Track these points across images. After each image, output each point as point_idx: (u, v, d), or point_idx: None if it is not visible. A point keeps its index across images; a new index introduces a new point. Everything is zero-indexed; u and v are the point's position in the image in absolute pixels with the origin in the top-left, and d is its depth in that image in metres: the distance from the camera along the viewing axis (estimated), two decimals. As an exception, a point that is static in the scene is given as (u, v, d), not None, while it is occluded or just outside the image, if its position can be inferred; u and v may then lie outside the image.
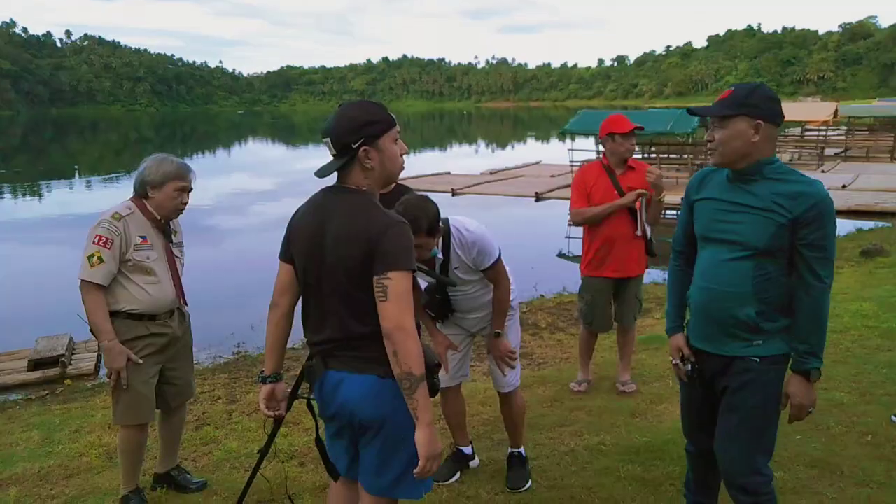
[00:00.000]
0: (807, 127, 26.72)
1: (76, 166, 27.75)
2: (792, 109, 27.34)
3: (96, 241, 2.72)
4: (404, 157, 2.11)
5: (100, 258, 2.71)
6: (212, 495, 3.11)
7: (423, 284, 2.93)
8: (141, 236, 2.81)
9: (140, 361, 2.81)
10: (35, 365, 5.52)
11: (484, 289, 2.87)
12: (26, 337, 6.10)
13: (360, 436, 2.01)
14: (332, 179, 1.98)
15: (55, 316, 7.22)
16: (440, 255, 2.70)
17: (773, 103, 2.05)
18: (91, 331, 2.81)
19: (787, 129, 29.23)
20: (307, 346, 2.10)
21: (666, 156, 18.64)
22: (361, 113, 1.89)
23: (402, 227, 1.87)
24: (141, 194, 2.86)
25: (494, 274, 2.77)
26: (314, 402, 2.12)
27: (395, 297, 1.80)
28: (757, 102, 2.04)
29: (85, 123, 78.07)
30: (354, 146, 1.87)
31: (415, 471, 1.85)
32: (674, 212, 10.00)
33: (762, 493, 2.18)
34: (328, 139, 1.89)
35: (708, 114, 2.12)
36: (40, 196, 18.48)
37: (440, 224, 2.58)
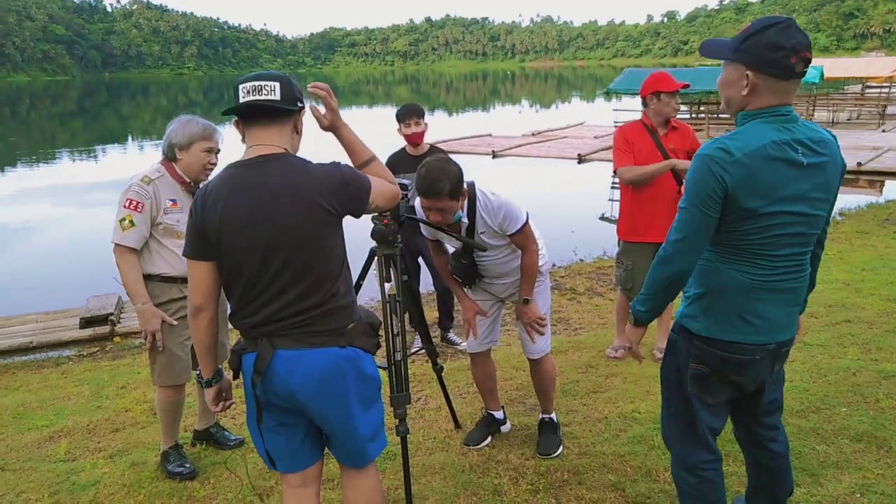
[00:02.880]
0: (868, 84, 25.28)
1: (129, 131, 28.42)
2: (851, 65, 25.95)
3: (127, 204, 2.74)
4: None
5: (131, 222, 2.73)
6: (249, 452, 3.17)
7: (450, 250, 2.87)
8: (171, 199, 2.82)
9: (174, 323, 2.84)
10: (86, 323, 5.72)
11: (512, 254, 2.78)
12: (78, 296, 6.32)
13: (321, 410, 1.87)
14: (237, 156, 1.86)
15: (105, 276, 7.47)
16: (465, 220, 2.62)
17: (770, 51, 1.72)
18: (126, 293, 2.86)
19: (846, 86, 27.76)
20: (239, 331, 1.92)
21: (715, 115, 17.91)
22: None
23: (338, 166, 1.86)
24: (169, 157, 2.85)
25: (522, 239, 2.68)
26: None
27: (376, 181, 1.90)
28: (749, 48, 1.75)
29: (136, 87, 79.72)
30: (300, 105, 1.85)
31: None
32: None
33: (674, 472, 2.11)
34: (274, 83, 1.80)
35: (715, 54, 1.87)
36: (96, 160, 19.01)
37: (463, 186, 2.50)
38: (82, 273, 7.79)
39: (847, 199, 10.00)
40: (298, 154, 1.91)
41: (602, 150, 15.11)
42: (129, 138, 25.42)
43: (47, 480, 3.00)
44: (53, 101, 54.00)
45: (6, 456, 3.32)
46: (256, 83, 1.78)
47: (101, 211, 11.49)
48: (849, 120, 20.77)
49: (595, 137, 17.74)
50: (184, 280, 2.88)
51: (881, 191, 10.90)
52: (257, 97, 1.77)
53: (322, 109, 1.97)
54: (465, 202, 2.59)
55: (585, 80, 69.55)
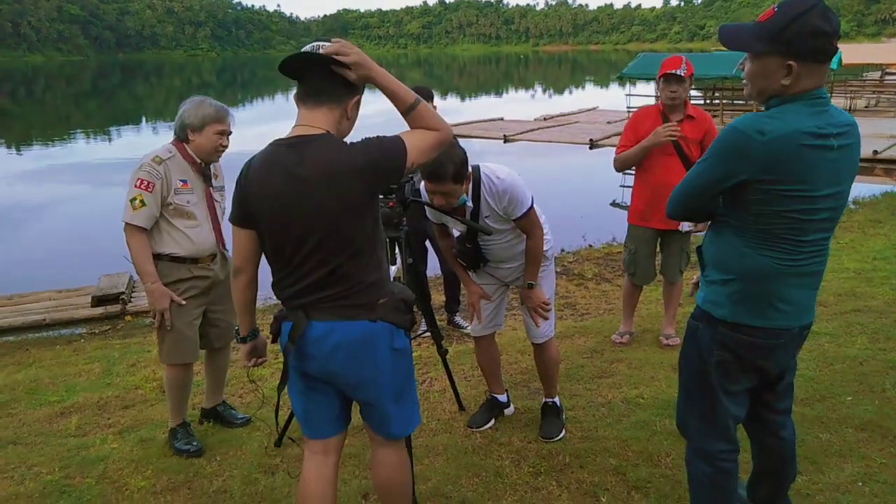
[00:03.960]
0: (888, 71, 24.80)
1: (142, 112, 28.51)
2: (871, 51, 25.46)
3: (138, 184, 2.76)
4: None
5: (142, 201, 2.75)
6: (254, 430, 3.21)
7: (455, 234, 2.87)
8: (181, 180, 2.83)
9: (183, 303, 2.87)
10: (98, 301, 5.78)
11: (517, 238, 2.77)
12: (91, 275, 6.39)
13: (351, 381, 1.95)
14: (283, 134, 1.88)
15: (117, 255, 7.53)
16: (470, 203, 2.62)
17: (814, 39, 1.69)
18: (136, 272, 2.88)
19: (865, 73, 27.27)
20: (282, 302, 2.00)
21: (730, 101, 17.69)
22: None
23: (371, 144, 1.85)
24: (181, 138, 2.86)
25: (527, 223, 2.66)
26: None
27: (413, 140, 1.85)
28: (791, 38, 1.69)
29: (150, 68, 79.84)
30: (352, 90, 1.87)
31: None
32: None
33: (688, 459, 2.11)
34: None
35: (738, 46, 1.83)
36: (109, 140, 19.11)
37: (468, 170, 2.49)
38: (95, 252, 7.85)
39: (861, 188, 9.84)
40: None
41: (614, 135, 14.97)
42: (143, 119, 25.50)
43: (58, 454, 3.06)
44: (68, 82, 54.26)
45: (19, 430, 3.38)
46: (315, 44, 1.83)
47: (114, 191, 11.55)
48: (867, 107, 20.38)
49: (608, 123, 17.57)
50: (193, 260, 2.91)
51: (898, 179, 10.74)
52: (306, 51, 1.82)
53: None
54: (470, 186, 2.58)
55: (600, 65, 68.78)
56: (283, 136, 1.87)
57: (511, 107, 24.03)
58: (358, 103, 1.92)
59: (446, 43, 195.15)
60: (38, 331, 5.55)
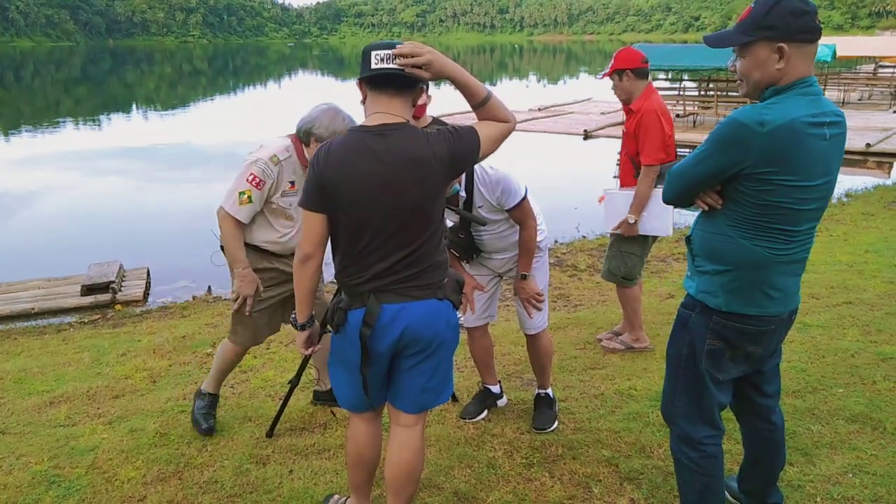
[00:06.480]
0: (882, 64, 24.88)
1: (133, 99, 28.24)
2: (865, 44, 25.50)
3: (250, 178, 2.72)
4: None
5: (249, 197, 2.73)
6: (246, 421, 3.20)
7: (448, 224, 2.85)
8: (290, 181, 2.81)
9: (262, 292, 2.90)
10: (87, 290, 5.75)
11: (510, 229, 2.76)
12: (80, 263, 6.34)
13: (407, 358, 2.05)
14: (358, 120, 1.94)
15: (106, 243, 7.50)
16: (463, 193, 2.60)
17: (796, 18, 1.73)
18: (223, 253, 2.91)
19: (859, 66, 27.34)
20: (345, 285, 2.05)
21: (724, 93, 17.68)
22: None
23: (448, 136, 1.95)
24: (303, 141, 2.79)
25: (520, 214, 2.65)
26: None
27: (485, 132, 2.00)
28: (774, 22, 1.74)
29: (140, 55, 79.03)
30: (421, 84, 1.95)
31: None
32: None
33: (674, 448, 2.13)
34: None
35: (724, 44, 1.87)
36: (99, 127, 18.93)
37: None
38: (84, 240, 7.82)
39: (854, 181, 9.89)
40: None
41: (609, 126, 14.97)
42: (133, 106, 25.27)
43: (47, 445, 3.03)
44: (57, 68, 53.64)
45: (7, 420, 3.35)
46: (389, 51, 1.87)
47: (103, 179, 11.50)
48: (860, 100, 20.45)
49: (602, 114, 17.56)
50: (274, 255, 2.92)
51: (889, 173, 10.79)
52: (391, 66, 1.87)
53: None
54: (463, 176, 2.56)
55: (594, 56, 68.60)
56: (365, 123, 1.94)
57: (505, 97, 23.38)
58: (422, 91, 2.04)
59: (440, 32, 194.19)
60: (27, 320, 5.51)
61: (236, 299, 2.86)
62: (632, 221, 3.58)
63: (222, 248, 2.91)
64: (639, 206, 3.55)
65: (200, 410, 3.11)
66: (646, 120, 3.49)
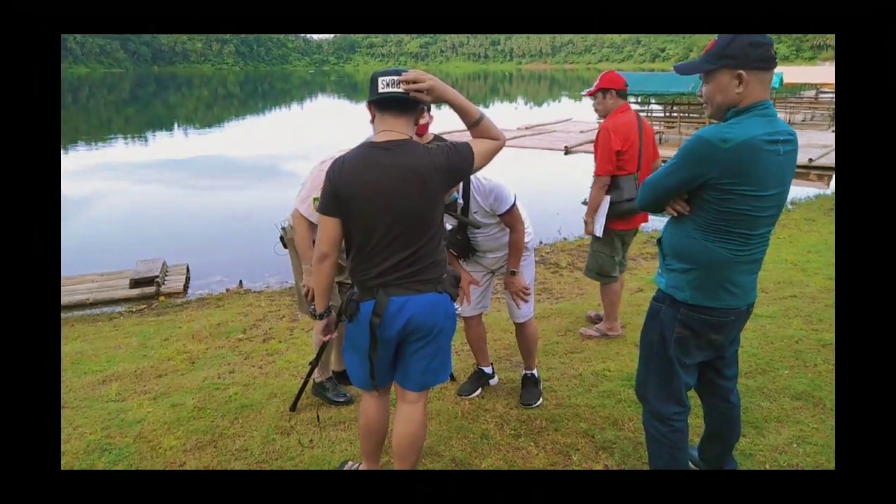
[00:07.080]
0: (822, 90, 24.83)
1: (175, 118, 28.18)
2: (809, 73, 25.47)
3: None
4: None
5: None
6: (272, 397, 3.19)
7: (448, 227, 2.84)
8: None
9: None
10: (135, 283, 5.73)
11: (501, 231, 2.76)
12: (128, 260, 6.33)
13: (411, 343, 2.06)
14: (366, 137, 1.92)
15: (151, 242, 7.48)
16: (461, 200, 2.59)
17: (754, 48, 1.74)
18: (282, 243, 2.90)
19: (802, 91, 27.30)
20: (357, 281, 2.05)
21: (687, 115, 17.67)
22: None
23: (447, 151, 1.95)
24: None
25: (510, 218, 2.65)
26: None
27: (479, 148, 1.99)
28: (734, 52, 1.75)
29: (181, 80, 78.81)
30: (421, 105, 1.95)
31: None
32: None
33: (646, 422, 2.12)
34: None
35: (691, 71, 1.88)
36: (146, 142, 18.88)
37: None
38: (132, 240, 7.80)
39: (798, 191, 9.91)
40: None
41: (587, 143, 14.94)
42: (175, 125, 25.21)
43: (100, 417, 3.03)
44: (109, 91, 53.51)
45: (65, 395, 3.34)
46: (395, 77, 1.88)
47: (149, 187, 11.47)
48: (803, 121, 20.42)
49: (580, 132, 17.52)
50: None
51: (829, 184, 10.78)
52: (395, 90, 1.88)
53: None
54: (461, 185, 2.56)
55: (574, 82, 68.48)
56: (373, 140, 1.95)
57: (496, 117, 23.49)
58: (423, 112, 2.06)
59: (441, 61, 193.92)
60: (83, 309, 5.49)
61: (305, 290, 2.78)
62: (586, 221, 3.64)
63: (282, 238, 2.89)
64: (591, 210, 3.56)
65: (330, 393, 3.06)
66: (599, 136, 3.51)
